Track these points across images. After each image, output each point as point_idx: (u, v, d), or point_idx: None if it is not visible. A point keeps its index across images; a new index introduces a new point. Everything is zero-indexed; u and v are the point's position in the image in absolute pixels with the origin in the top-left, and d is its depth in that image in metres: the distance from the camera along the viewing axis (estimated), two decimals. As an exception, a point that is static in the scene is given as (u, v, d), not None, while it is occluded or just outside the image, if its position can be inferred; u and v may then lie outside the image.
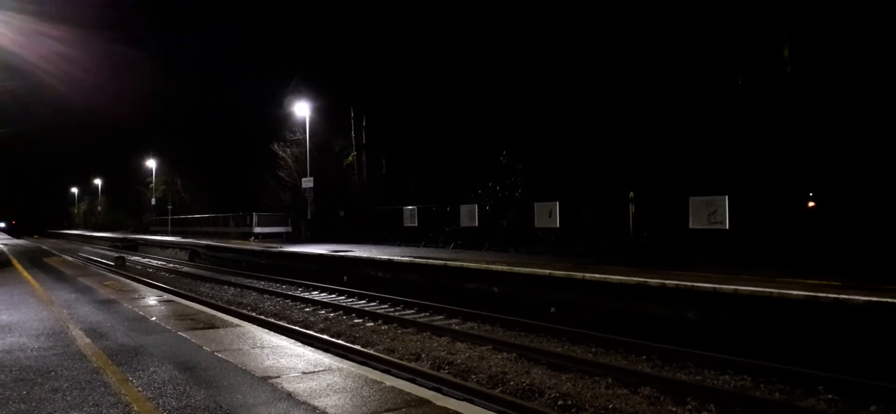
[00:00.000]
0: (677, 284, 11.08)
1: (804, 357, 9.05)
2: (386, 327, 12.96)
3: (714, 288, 10.56)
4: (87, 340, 8.02)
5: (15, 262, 23.72)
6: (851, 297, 9.07)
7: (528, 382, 8.69)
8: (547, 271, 13.72)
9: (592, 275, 12.74)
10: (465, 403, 6.12)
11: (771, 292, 9.85)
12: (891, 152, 14.00)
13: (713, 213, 14.59)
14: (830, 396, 7.89)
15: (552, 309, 13.15)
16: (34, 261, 25.06)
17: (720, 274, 12.18)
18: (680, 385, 8.35)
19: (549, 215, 19.74)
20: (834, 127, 14.88)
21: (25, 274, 18.12)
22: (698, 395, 7.93)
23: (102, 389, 5.77)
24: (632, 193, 16.50)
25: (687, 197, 15.35)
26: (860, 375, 8.19)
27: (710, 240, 14.98)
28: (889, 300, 8.68)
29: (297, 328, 12.58)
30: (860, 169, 14.29)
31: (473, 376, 9.10)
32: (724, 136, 16.87)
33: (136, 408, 5.15)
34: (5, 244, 43.70)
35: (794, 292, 9.65)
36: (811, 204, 14.71)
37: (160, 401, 5.36)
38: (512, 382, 8.70)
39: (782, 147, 15.64)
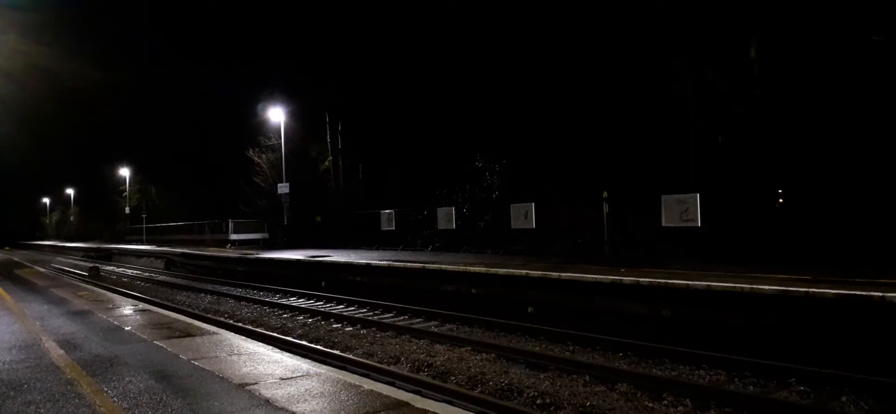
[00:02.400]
0: (651, 282, 11.22)
1: (777, 351, 9.22)
2: (365, 331, 12.94)
3: (687, 285, 10.72)
4: (61, 352, 7.91)
5: (-15, 274, 23.24)
6: (821, 290, 9.27)
7: (506, 381, 8.74)
8: (524, 272, 13.81)
9: (568, 274, 12.85)
10: (444, 404, 6.16)
11: (743, 288, 10.03)
12: (856, 149, 14.32)
13: (685, 211, 14.80)
14: (802, 388, 8.05)
15: (529, 309, 13.24)
16: (5, 273, 24.60)
17: (693, 271, 12.36)
18: (656, 381, 8.47)
19: (525, 216, 19.87)
20: (801, 125, 15.18)
21: (-4, 287, 17.78)
22: (674, 390, 8.04)
23: (76, 400, 5.71)
24: (605, 193, 16.68)
25: (660, 195, 15.56)
26: (831, 367, 8.37)
27: (683, 237, 15.20)
28: (857, 293, 8.88)
29: (274, 334, 12.51)
30: (827, 166, 14.60)
31: (453, 378, 9.13)
32: (696, 136, 17.13)
33: (111, 419, 5.11)
34: (-26, 257, 42.81)
35: (766, 287, 9.83)
36: (780, 201, 14.99)
37: (136, 411, 5.32)
38: (491, 383, 8.75)
39: (752, 145, 15.92)
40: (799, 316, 9.36)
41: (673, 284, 10.93)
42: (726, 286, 10.26)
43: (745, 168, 15.98)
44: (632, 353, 10.02)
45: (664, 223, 15.42)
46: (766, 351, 9.26)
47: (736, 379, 8.58)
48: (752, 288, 9.94)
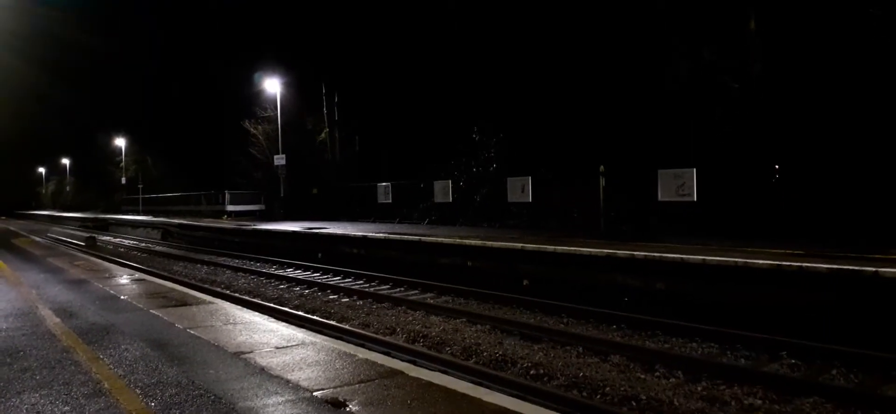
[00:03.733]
0: (646, 255, 11.28)
1: (769, 324, 9.29)
2: (361, 303, 13.00)
3: (682, 258, 10.77)
4: (57, 320, 7.94)
5: (-19, 243, 23.25)
6: (814, 265, 9.33)
7: (501, 352, 8.82)
8: (519, 245, 13.85)
9: (564, 247, 12.90)
10: (438, 373, 6.20)
11: (736, 262, 10.08)
12: (853, 126, 14.31)
13: (682, 185, 14.82)
14: (793, 361, 8.13)
15: (525, 282, 13.31)
16: (1, 242, 24.60)
17: (688, 245, 12.41)
18: (649, 353, 8.54)
19: (521, 190, 19.88)
20: (799, 102, 15.15)
21: (-8, 255, 17.80)
22: (666, 362, 8.11)
23: (73, 367, 5.74)
24: (602, 167, 16.67)
25: (656, 170, 15.56)
26: (822, 341, 8.45)
27: (679, 212, 15.24)
28: (849, 267, 8.94)
29: (270, 305, 12.57)
30: (824, 142, 14.60)
31: (448, 348, 9.21)
32: (693, 111, 17.09)
33: (107, 385, 5.14)
34: (-30, 226, 42.77)
35: (759, 262, 9.89)
36: (776, 176, 15.01)
37: (132, 378, 5.35)
38: (485, 354, 8.82)
39: (749, 121, 15.90)
40: (792, 290, 9.42)
41: (668, 257, 10.99)
42: (720, 260, 10.32)
43: (742, 143, 15.98)
44: (625, 325, 10.09)
45: (660, 198, 15.44)
46: (760, 324, 9.33)
47: (728, 352, 8.66)
48: (746, 262, 10.00)
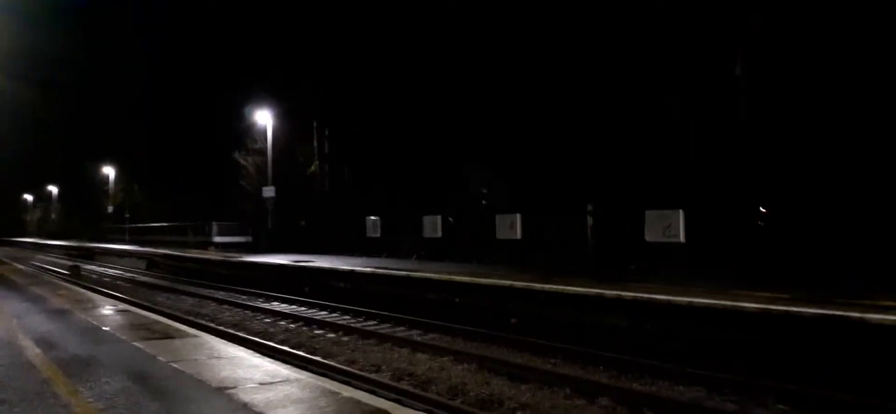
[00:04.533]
0: (634, 297, 11.28)
1: (756, 368, 9.27)
2: (347, 339, 12.88)
3: (668, 300, 10.78)
4: (38, 351, 7.80)
5: (-38, 270, 22.93)
6: (801, 309, 9.35)
7: (488, 392, 8.74)
8: (508, 282, 13.82)
9: (552, 286, 12.88)
10: (423, 413, 6.14)
11: (724, 305, 10.10)
12: (840, 168, 14.47)
13: (668, 226, 14.91)
14: (781, 406, 8.10)
15: (513, 320, 13.24)
16: (-17, 269, 24.27)
17: (676, 286, 12.40)
18: (636, 395, 8.49)
19: (510, 227, 19.93)
20: (786, 144, 15.33)
21: (-27, 283, 17.54)
22: (654, 405, 8.07)
23: (52, 400, 5.63)
24: (590, 206, 16.78)
25: (643, 211, 15.65)
26: (810, 386, 8.43)
27: (667, 253, 15.29)
28: (836, 313, 8.98)
29: (255, 339, 12.42)
30: (810, 185, 14.75)
31: (434, 387, 9.12)
32: (680, 153, 17.26)
33: (86, 420, 5.04)
34: (-48, 252, 42.22)
35: (747, 305, 9.91)
36: (761, 222, 15.12)
37: (112, 412, 5.26)
38: (472, 393, 8.74)
39: (735, 164, 16.06)
40: (779, 334, 9.43)
41: (655, 299, 10.99)
42: (708, 303, 10.33)
43: (729, 186, 16.12)
44: (613, 366, 10.03)
45: (647, 238, 15.52)
46: (747, 368, 9.31)
47: (715, 395, 8.62)
48: (733, 305, 10.02)
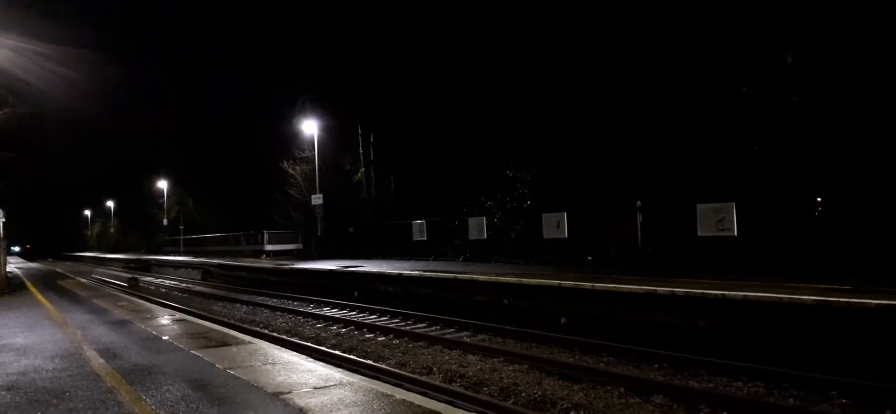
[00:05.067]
0: (687, 292, 11.05)
1: (817, 362, 8.99)
2: (397, 342, 12.98)
3: (723, 295, 10.53)
4: (101, 361, 8.10)
5: (30, 285, 23.95)
6: (863, 301, 9.03)
7: (540, 393, 8.69)
8: (556, 282, 13.71)
9: (602, 285, 12.73)
10: (476, 415, 6.14)
11: (780, 298, 9.81)
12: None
13: (721, 220, 14.54)
14: (845, 401, 7.85)
15: (562, 320, 13.14)
16: (48, 284, 25.29)
17: (729, 281, 12.12)
18: (692, 393, 8.33)
19: (557, 226, 19.75)
20: (841, 132, 14.82)
21: (40, 297, 18.30)
22: (711, 402, 7.90)
23: (116, 408, 5.84)
24: (639, 202, 16.48)
25: (695, 205, 15.32)
26: (874, 379, 8.13)
27: (719, 247, 14.91)
28: (901, 303, 8.63)
29: (308, 344, 12.63)
30: (868, 173, 14.21)
31: (485, 389, 9.11)
32: (732, 143, 16.84)
33: (149, 426, 5.21)
34: (20, 268, 44.12)
35: (805, 297, 9.61)
36: (819, 210, 14.62)
37: (173, 419, 5.42)
38: (524, 394, 8.70)
39: (790, 152, 15.59)
40: (840, 327, 9.12)
41: (709, 294, 10.75)
42: (764, 296, 10.06)
43: (783, 176, 15.65)
44: (667, 364, 9.87)
45: (699, 233, 15.17)
46: (807, 363, 9.04)
47: (775, 391, 8.39)
48: (790, 298, 9.73)
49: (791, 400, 8.08)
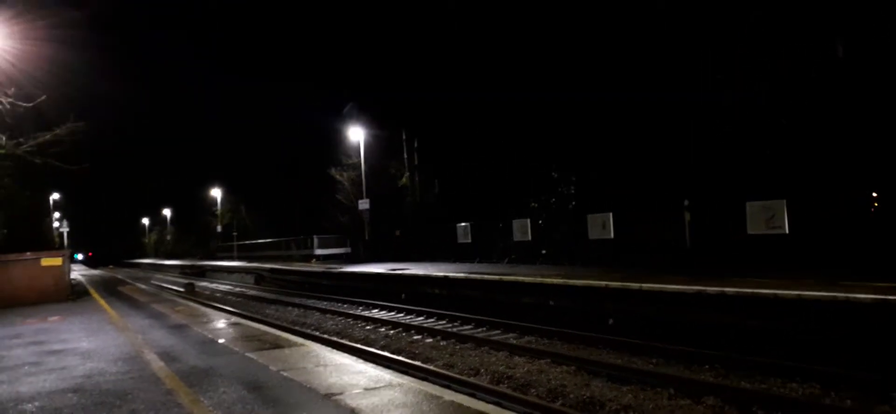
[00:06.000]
0: (737, 292, 10.85)
1: (875, 363, 8.73)
2: (444, 343, 13.10)
3: (775, 294, 10.30)
4: (161, 364, 8.43)
5: (92, 291, 24.94)
6: (924, 298, 8.73)
7: (588, 394, 8.67)
8: (603, 283, 13.62)
9: (649, 285, 12.59)
10: (523, 415, 6.19)
11: (836, 296, 9.56)
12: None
13: (771, 218, 14.20)
14: (906, 403, 7.61)
15: (610, 320, 13.04)
16: (109, 290, 26.29)
17: (781, 280, 11.83)
18: (745, 394, 8.20)
19: (602, 226, 19.58)
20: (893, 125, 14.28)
21: (102, 302, 19.06)
22: (764, 403, 7.77)
23: (176, 409, 6.09)
24: (686, 201, 16.22)
25: (744, 202, 15.00)
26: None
27: (770, 245, 14.55)
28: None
29: (358, 346, 12.86)
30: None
31: (533, 390, 9.14)
32: (781, 140, 16.42)
33: (208, 426, 5.42)
34: (83, 275, 45.91)
35: (862, 296, 9.34)
36: (875, 205, 14.09)
37: (231, 419, 5.63)
38: (572, 395, 8.70)
39: (842, 148, 15.11)
40: (900, 326, 8.83)
41: (760, 293, 10.54)
42: (819, 295, 9.81)
43: (835, 172, 15.17)
44: (718, 365, 9.71)
45: (749, 231, 14.85)
46: (865, 363, 8.79)
47: (831, 393, 8.19)
48: (846, 296, 9.47)
49: (849, 401, 7.88)
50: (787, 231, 14.05)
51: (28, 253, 19.91)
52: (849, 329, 9.39)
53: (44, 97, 15.92)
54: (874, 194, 13.90)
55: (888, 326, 8.96)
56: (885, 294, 9.26)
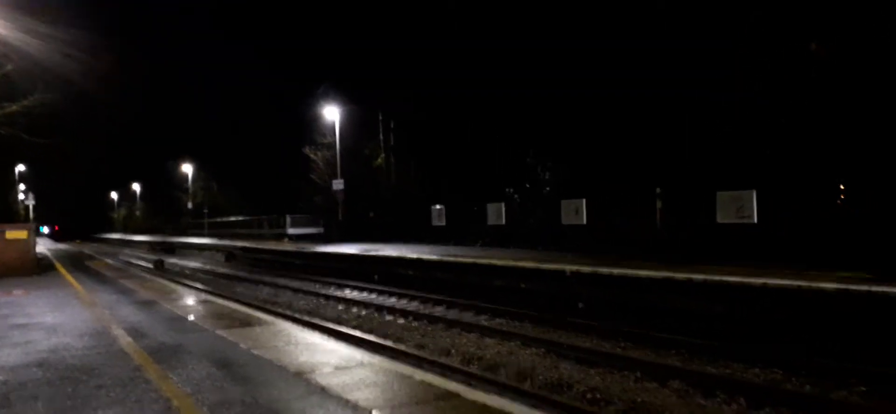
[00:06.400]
0: (705, 279, 11.06)
1: (837, 350, 8.98)
2: (416, 324, 13.15)
3: (741, 282, 10.52)
4: (129, 340, 8.33)
5: (58, 265, 24.51)
6: (885, 289, 8.98)
7: (556, 376, 8.79)
8: (574, 267, 13.77)
9: (620, 270, 12.76)
10: (494, 396, 6.24)
11: (801, 285, 9.79)
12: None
13: (741, 207, 14.47)
14: (863, 388, 7.84)
15: (580, 305, 13.20)
16: (76, 264, 25.86)
17: (749, 268, 12.08)
18: (709, 378, 8.37)
19: (575, 212, 19.77)
20: (864, 120, 14.58)
21: (69, 277, 18.74)
22: (728, 388, 7.94)
23: (144, 385, 6.03)
24: (658, 189, 16.43)
25: (714, 192, 15.25)
26: (894, 367, 8.11)
27: (739, 235, 14.84)
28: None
29: (330, 325, 12.84)
30: (890, 161, 13.99)
31: (503, 371, 9.23)
32: (752, 131, 16.67)
33: (175, 403, 5.38)
34: (49, 249, 45.07)
35: (826, 285, 9.58)
36: (841, 198, 14.43)
37: (199, 396, 5.59)
38: (541, 377, 8.81)
39: (812, 140, 15.40)
40: (861, 315, 9.08)
41: (727, 281, 10.75)
42: (784, 283, 10.04)
43: (804, 164, 15.47)
44: (684, 349, 9.90)
45: (719, 220, 15.11)
46: (826, 350, 9.03)
47: (792, 378, 8.40)
48: (810, 286, 9.70)
49: (808, 387, 8.10)
50: (755, 221, 14.33)
51: (-8, 225, 19.48)
52: (812, 317, 9.63)
53: (10, 67, 15.53)
54: (841, 186, 14.22)
55: (850, 314, 9.21)
56: (848, 284, 9.51)
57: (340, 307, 15.88)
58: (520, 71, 25.31)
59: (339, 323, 13.45)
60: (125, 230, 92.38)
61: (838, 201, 14.34)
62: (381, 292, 17.69)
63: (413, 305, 15.41)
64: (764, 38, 16.42)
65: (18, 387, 6.09)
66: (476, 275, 16.55)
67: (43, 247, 46.28)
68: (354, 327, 12.89)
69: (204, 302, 12.61)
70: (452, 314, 13.96)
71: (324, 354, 7.15)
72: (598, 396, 7.96)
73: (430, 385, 5.87)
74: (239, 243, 38.16)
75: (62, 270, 21.77)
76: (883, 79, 14.12)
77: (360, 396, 5.48)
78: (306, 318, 14.05)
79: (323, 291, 18.66)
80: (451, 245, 24.90)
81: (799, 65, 15.77)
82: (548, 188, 22.87)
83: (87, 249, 54.13)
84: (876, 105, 14.38)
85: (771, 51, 16.29)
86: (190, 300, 12.86)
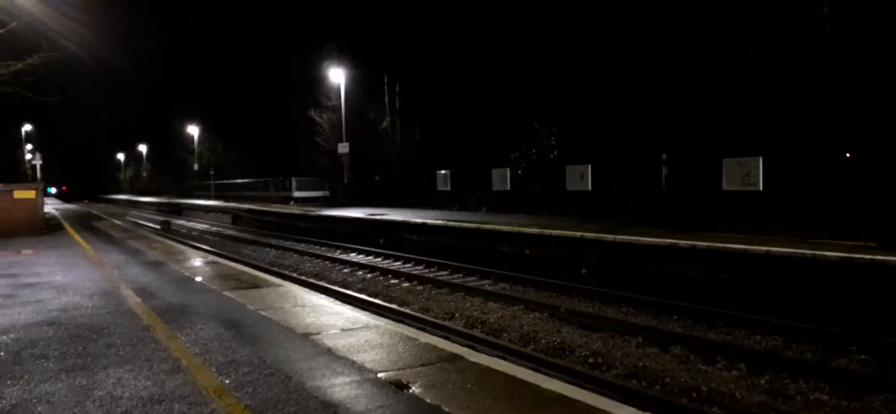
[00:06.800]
0: (709, 246, 11.09)
1: (838, 318, 9.04)
2: (421, 288, 13.25)
3: (745, 249, 10.55)
4: (138, 300, 8.44)
5: (67, 226, 24.69)
6: (888, 258, 9.00)
7: (559, 340, 8.88)
8: (578, 233, 13.81)
9: (623, 237, 12.80)
10: (497, 359, 6.33)
11: (804, 253, 9.81)
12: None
13: (747, 174, 14.43)
14: (863, 357, 7.90)
15: (583, 270, 13.27)
16: (85, 225, 26.04)
17: (753, 235, 12.11)
18: (710, 344, 8.45)
19: (580, 178, 19.74)
20: (872, 87, 14.45)
21: (77, 237, 18.90)
22: (728, 354, 8.01)
23: (153, 345, 6.13)
24: (664, 155, 16.37)
25: (720, 158, 15.20)
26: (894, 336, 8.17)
27: (744, 202, 14.84)
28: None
29: (336, 288, 12.96)
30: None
31: (506, 335, 9.33)
32: (759, 98, 16.55)
33: (184, 363, 5.48)
34: (57, 209, 45.34)
35: (829, 253, 9.60)
36: (846, 165, 14.38)
37: (207, 356, 5.68)
38: (543, 341, 8.90)
39: (819, 108, 15.30)
40: (863, 283, 9.12)
41: (730, 248, 10.78)
42: (787, 251, 10.06)
43: (811, 132, 15.40)
44: (686, 316, 9.98)
45: (725, 187, 15.09)
46: (828, 318, 9.09)
47: (793, 345, 8.48)
48: (813, 254, 9.72)
49: (809, 354, 8.16)
50: (761, 188, 14.31)
51: (0, 185, 19.59)
52: (815, 285, 9.68)
53: (14, 24, 15.46)
54: (847, 155, 14.16)
55: (852, 283, 9.24)
56: (851, 253, 9.53)
57: (346, 270, 16.01)
58: (527, 34, 25.10)
59: (345, 286, 13.57)
60: (132, 191, 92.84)
61: (844, 170, 14.29)
62: (386, 256, 17.80)
63: (418, 270, 15.51)
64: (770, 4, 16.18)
65: (29, 345, 6.20)
66: (480, 240, 16.61)
67: (51, 207, 46.58)
68: (360, 290, 13.00)
69: (211, 263, 12.73)
70: (457, 279, 14.06)
71: (330, 316, 7.24)
72: (600, 360, 8.05)
73: (434, 347, 5.95)
74: (245, 205, 38.29)
75: (70, 230, 21.94)
76: (888, 46, 13.95)
77: (366, 357, 5.56)
78: (313, 280, 14.18)
79: (329, 255, 18.78)
80: (455, 210, 24.96)
81: (806, 33, 15.59)
82: (554, 154, 22.82)
83: (95, 209, 54.43)
84: (881, 76, 14.24)
85: (778, 17, 16.08)
86: (197, 261, 12.98)
